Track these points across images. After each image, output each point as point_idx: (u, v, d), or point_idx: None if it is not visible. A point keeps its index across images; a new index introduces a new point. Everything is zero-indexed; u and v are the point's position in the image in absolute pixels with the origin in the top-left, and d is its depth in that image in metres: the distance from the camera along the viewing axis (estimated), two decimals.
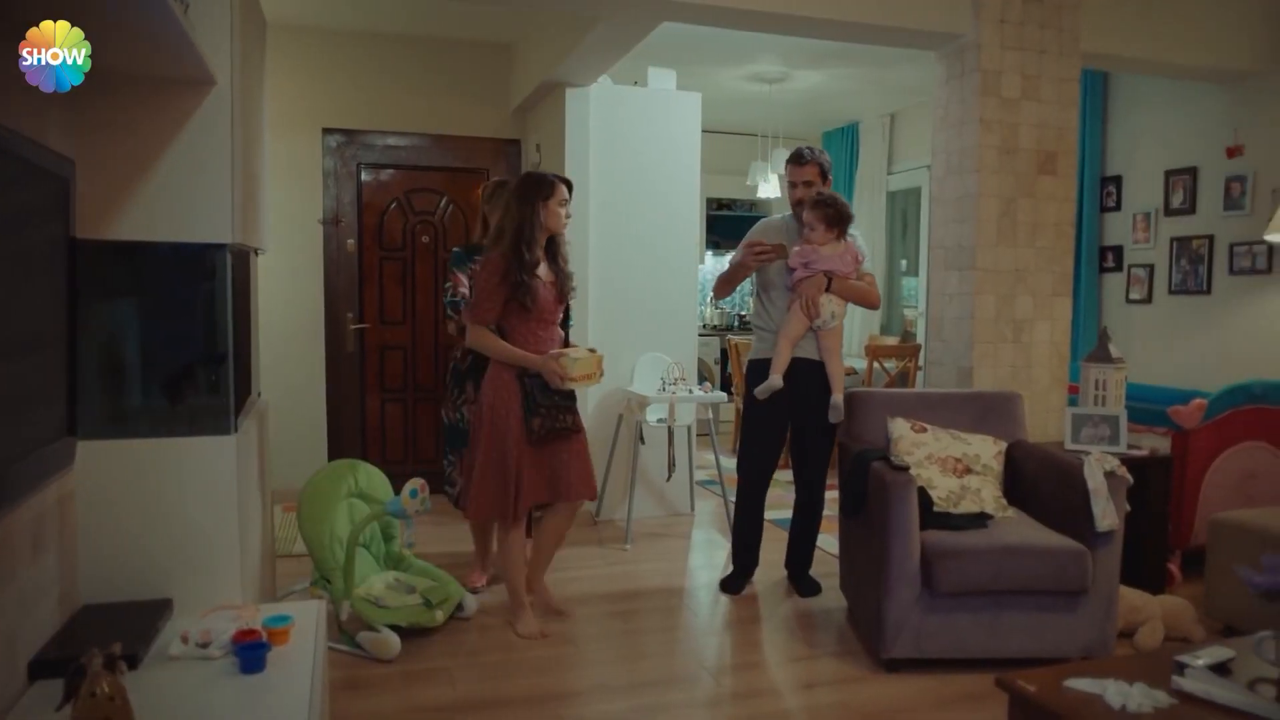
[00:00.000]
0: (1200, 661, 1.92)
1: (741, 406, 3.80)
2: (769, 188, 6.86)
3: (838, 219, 3.56)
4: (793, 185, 3.67)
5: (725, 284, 3.80)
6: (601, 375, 3.29)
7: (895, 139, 7.30)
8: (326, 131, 5.24)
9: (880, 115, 7.29)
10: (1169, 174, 4.99)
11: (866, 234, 7.42)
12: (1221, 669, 1.92)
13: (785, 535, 3.93)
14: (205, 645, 1.88)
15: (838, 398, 3.54)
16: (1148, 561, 3.62)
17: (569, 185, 3.30)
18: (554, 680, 2.94)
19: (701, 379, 6.41)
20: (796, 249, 3.56)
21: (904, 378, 6.06)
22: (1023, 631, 2.96)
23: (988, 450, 3.34)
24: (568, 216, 3.28)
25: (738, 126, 7.56)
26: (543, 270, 3.21)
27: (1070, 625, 2.96)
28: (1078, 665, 1.98)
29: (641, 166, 4.92)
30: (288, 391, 5.09)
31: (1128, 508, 3.04)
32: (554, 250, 3.28)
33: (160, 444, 2.24)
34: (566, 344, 3.42)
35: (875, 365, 6.07)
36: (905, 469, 3.01)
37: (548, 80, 4.67)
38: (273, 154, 4.54)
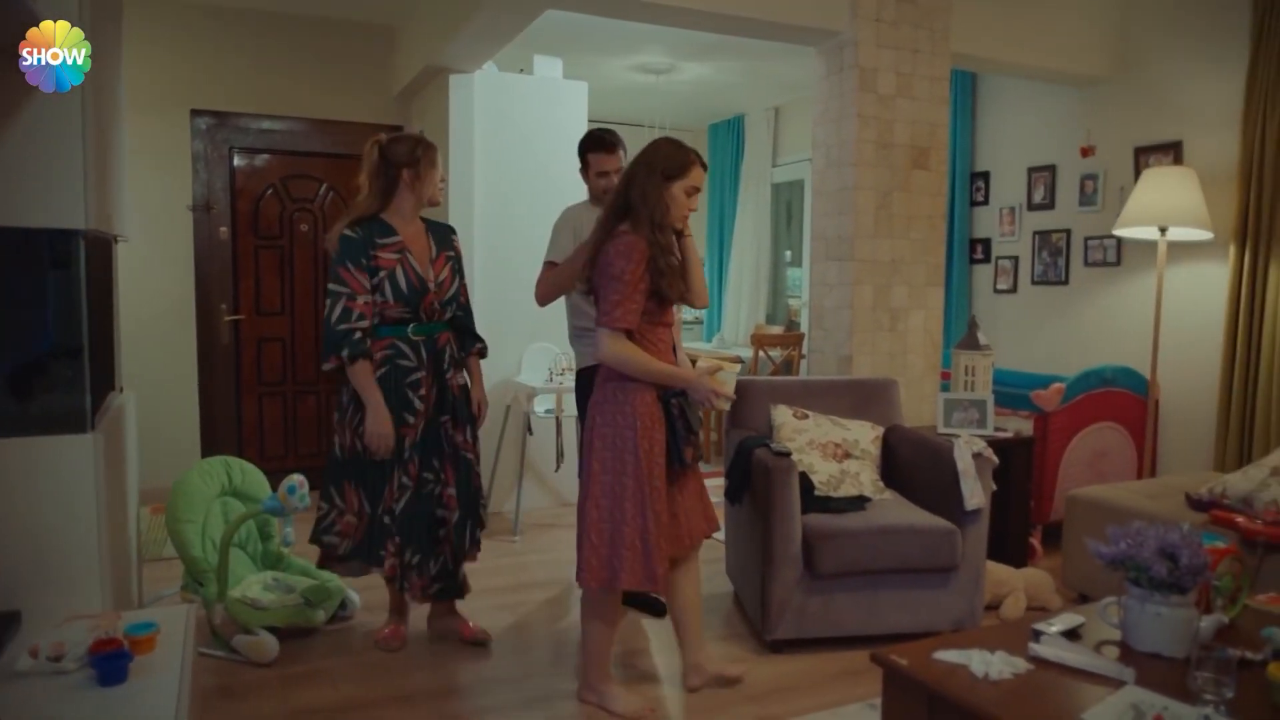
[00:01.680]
0: (1054, 628, 2.05)
1: (581, 420, 3.18)
2: None
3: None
4: (601, 174, 3.24)
5: (559, 285, 3.17)
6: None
7: (780, 132, 7.46)
8: (195, 113, 4.98)
9: (765, 109, 7.43)
10: (1031, 171, 5.28)
11: (753, 226, 7.60)
12: (1072, 634, 2.06)
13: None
14: (58, 659, 1.76)
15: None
16: (1012, 537, 3.83)
17: (706, 168, 2.63)
18: (441, 676, 2.90)
19: None
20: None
21: (789, 366, 6.22)
22: (898, 608, 3.09)
23: (866, 435, 3.46)
24: (690, 210, 2.59)
25: (625, 117, 7.57)
26: None
27: (941, 600, 3.11)
28: (946, 638, 2.08)
29: (528, 155, 4.87)
30: (156, 386, 4.84)
31: (993, 486, 3.21)
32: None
33: (8, 444, 2.08)
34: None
35: (760, 354, 6.20)
36: (787, 455, 3.09)
37: (431, 65, 4.57)
38: (135, 136, 4.30)
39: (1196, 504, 3.32)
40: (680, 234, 2.57)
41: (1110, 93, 4.81)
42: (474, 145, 4.70)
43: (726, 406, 2.53)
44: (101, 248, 2.58)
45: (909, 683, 1.90)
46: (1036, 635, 2.02)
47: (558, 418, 4.64)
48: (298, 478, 3.02)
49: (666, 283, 2.46)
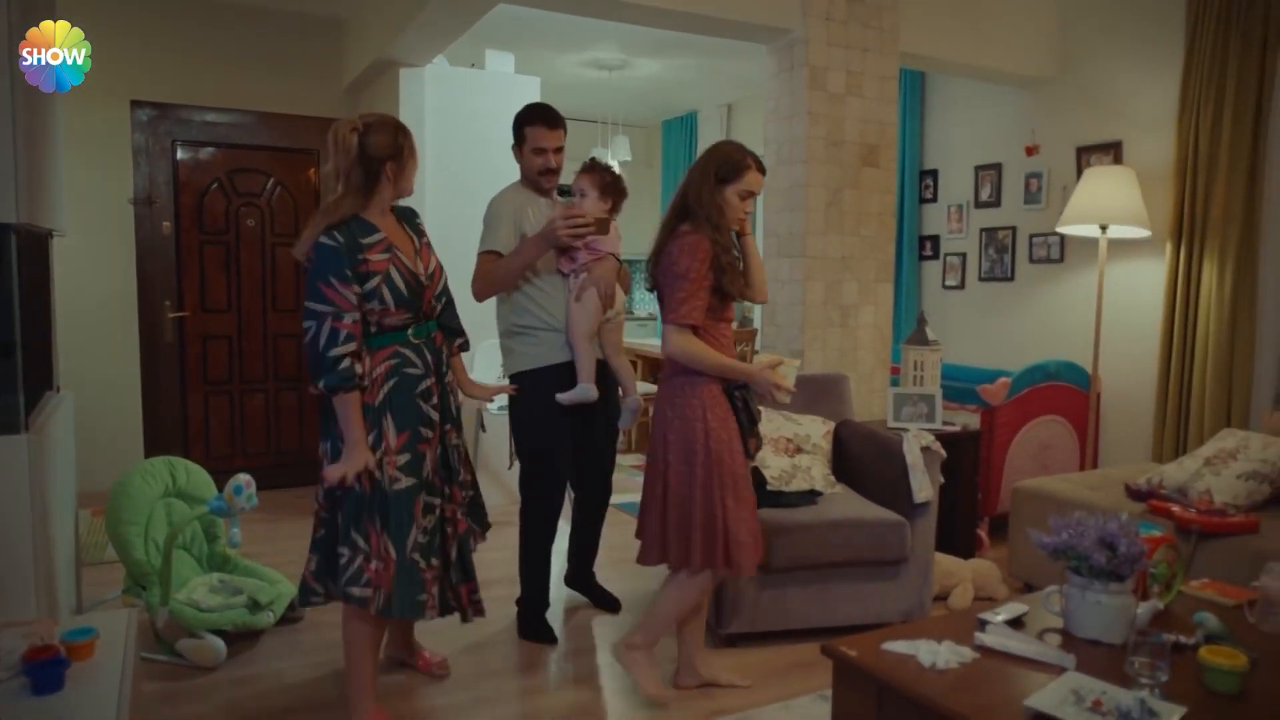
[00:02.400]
0: (999, 618, 2.09)
1: (516, 430, 3.21)
2: None
3: (615, 189, 3.03)
4: (539, 151, 3.01)
5: (506, 279, 3.01)
6: None
7: (733, 129, 7.49)
8: (136, 104, 4.85)
9: (718, 106, 7.46)
10: (978, 169, 5.38)
11: None
12: (1016, 623, 2.11)
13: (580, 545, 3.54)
14: None
15: (637, 398, 3.20)
16: (960, 529, 3.91)
17: (765, 173, 2.67)
18: (391, 677, 2.86)
19: None
20: None
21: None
22: (849, 600, 3.13)
23: (817, 430, 3.50)
24: (745, 214, 2.64)
25: (578, 113, 7.55)
26: None
27: (891, 592, 3.16)
28: (895, 629, 2.11)
29: (479, 151, 4.83)
30: (97, 386, 4.72)
31: (941, 480, 3.27)
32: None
33: None
34: None
35: None
36: None
37: (380, 59, 4.51)
38: (71, 127, 4.18)
39: (1135, 494, 3.42)
40: (740, 234, 2.66)
41: (1053, 93, 4.91)
42: (424, 140, 4.64)
43: (787, 400, 2.58)
44: (35, 242, 2.51)
45: (859, 674, 1.92)
46: (982, 625, 2.06)
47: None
48: (244, 477, 2.96)
49: (728, 279, 2.54)
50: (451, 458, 2.54)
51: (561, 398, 3.02)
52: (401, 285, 2.39)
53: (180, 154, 4.99)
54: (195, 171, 5.04)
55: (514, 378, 3.08)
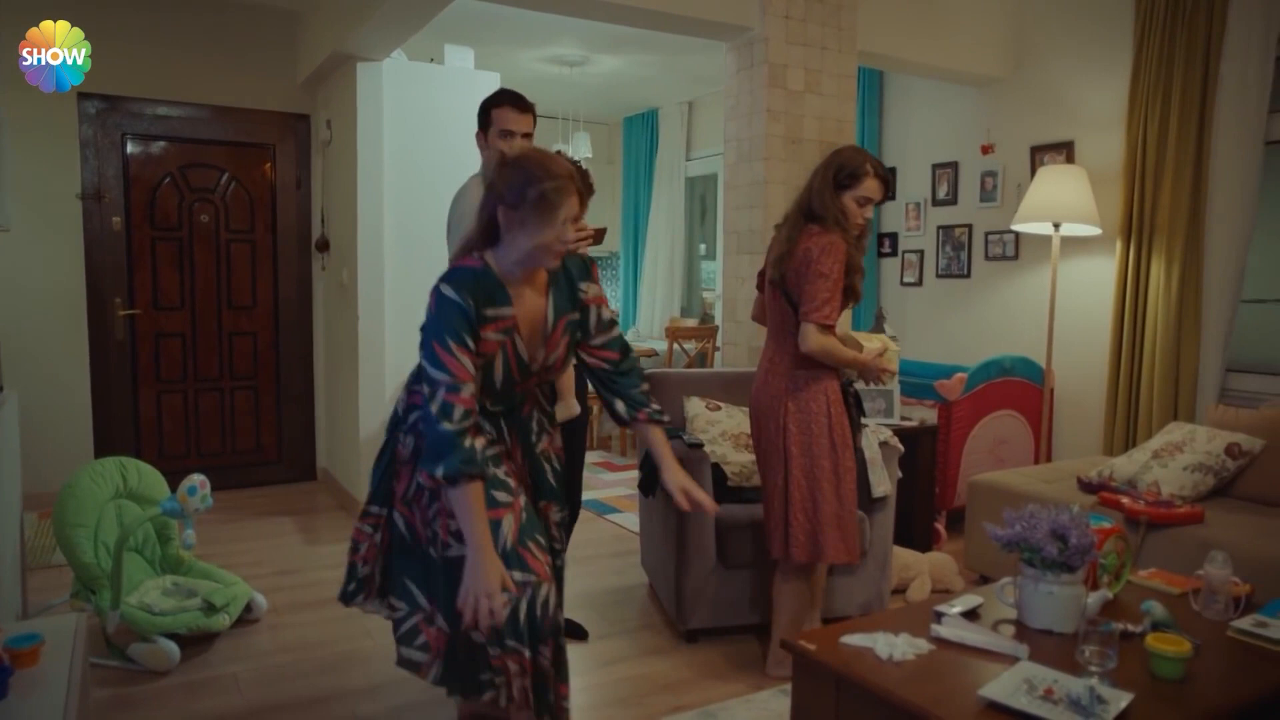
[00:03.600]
0: (954, 610, 2.12)
1: None
2: None
3: (588, 190, 2.93)
4: (506, 135, 2.74)
5: None
6: None
7: (693, 126, 7.51)
8: (84, 96, 4.74)
9: (679, 103, 7.48)
10: (935, 167, 5.45)
11: (667, 219, 7.64)
12: (972, 614, 2.14)
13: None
14: None
15: (571, 401, 2.92)
16: (918, 522, 3.96)
17: (886, 182, 2.69)
18: (350, 677, 2.84)
19: None
20: None
21: (703, 358, 6.28)
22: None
23: None
24: (864, 220, 2.71)
25: (539, 109, 7.50)
26: None
27: (850, 586, 3.19)
28: (854, 622, 2.14)
29: (439, 146, 4.79)
30: (45, 385, 4.61)
31: (899, 474, 3.31)
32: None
33: None
34: None
35: (675, 347, 6.25)
36: (699, 446, 3.12)
37: (338, 53, 4.45)
38: (14, 118, 4.08)
39: (1086, 487, 3.49)
40: (859, 239, 2.72)
41: (1008, 93, 4.99)
42: (383, 136, 4.59)
43: (892, 383, 2.71)
44: None
45: (818, 667, 1.94)
46: (938, 617, 2.09)
47: None
48: (198, 478, 2.91)
49: (856, 279, 2.65)
50: (547, 534, 2.14)
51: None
52: (499, 377, 2.02)
53: (130, 148, 4.89)
54: (146, 166, 4.93)
55: None
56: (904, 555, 3.60)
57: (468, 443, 1.87)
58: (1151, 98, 4.13)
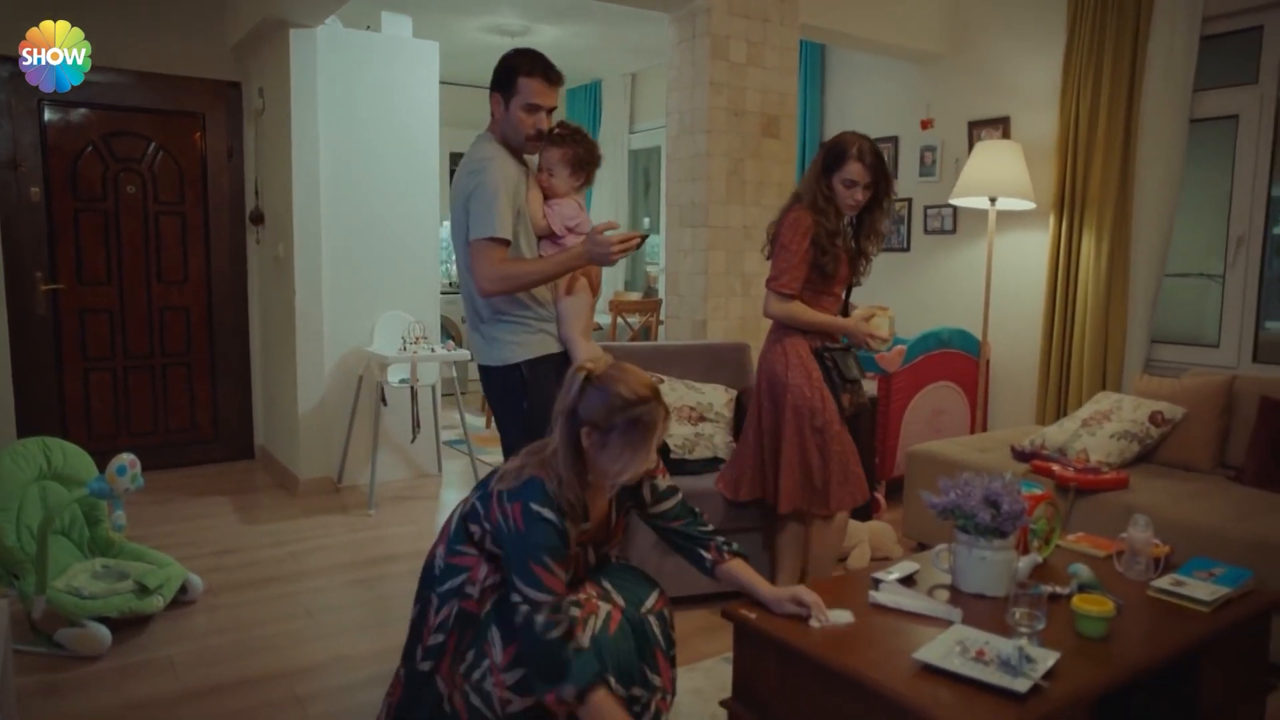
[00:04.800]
0: (892, 576, 2.17)
1: (531, 424, 2.41)
2: None
3: (590, 162, 2.65)
4: (532, 109, 2.48)
5: (530, 285, 2.50)
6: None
7: (636, 98, 7.46)
8: None
9: (622, 75, 7.41)
10: (876, 142, 5.48)
11: (610, 192, 7.60)
12: (909, 580, 2.19)
13: None
14: None
15: None
16: None
17: (875, 156, 2.79)
18: (290, 657, 2.80)
19: (447, 337, 6.30)
20: (550, 205, 2.62)
21: (646, 332, 6.28)
22: (752, 564, 3.19)
23: (719, 399, 3.54)
24: (854, 202, 2.80)
25: (479, 80, 7.37)
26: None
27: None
28: None
29: (376, 117, 4.68)
30: None
31: None
32: (858, 228, 2.93)
33: None
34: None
35: (619, 320, 6.24)
36: None
37: (269, 18, 4.30)
38: None
39: (1020, 455, 3.59)
40: (872, 222, 2.90)
41: (946, 69, 5.05)
42: (318, 105, 4.47)
43: (882, 348, 2.92)
44: None
45: (758, 636, 1.97)
46: (876, 583, 2.14)
47: (413, 387, 4.53)
48: (128, 457, 2.83)
49: (826, 259, 2.79)
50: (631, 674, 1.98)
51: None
52: (568, 578, 1.96)
53: (48, 114, 4.67)
54: (66, 134, 4.73)
55: (508, 369, 2.55)
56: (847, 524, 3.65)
57: (572, 645, 1.82)
58: (1083, 76, 4.21)
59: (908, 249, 5.34)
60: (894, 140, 5.37)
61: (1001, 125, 4.73)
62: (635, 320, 6.33)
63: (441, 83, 4.98)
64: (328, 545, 3.84)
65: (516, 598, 1.83)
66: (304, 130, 4.44)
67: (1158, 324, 4.15)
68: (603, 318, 6.41)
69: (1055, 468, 3.32)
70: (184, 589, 3.15)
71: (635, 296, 7.29)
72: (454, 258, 2.71)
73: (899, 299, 5.38)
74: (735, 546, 2.17)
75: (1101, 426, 3.49)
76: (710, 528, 2.17)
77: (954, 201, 4.53)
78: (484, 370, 2.62)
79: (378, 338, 4.68)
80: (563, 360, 2.56)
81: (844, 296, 3.00)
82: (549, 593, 1.82)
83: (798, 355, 2.84)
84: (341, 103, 4.57)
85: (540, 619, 1.80)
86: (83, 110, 4.76)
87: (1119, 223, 4.11)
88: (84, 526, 3.14)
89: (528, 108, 2.47)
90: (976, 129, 4.84)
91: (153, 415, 5.08)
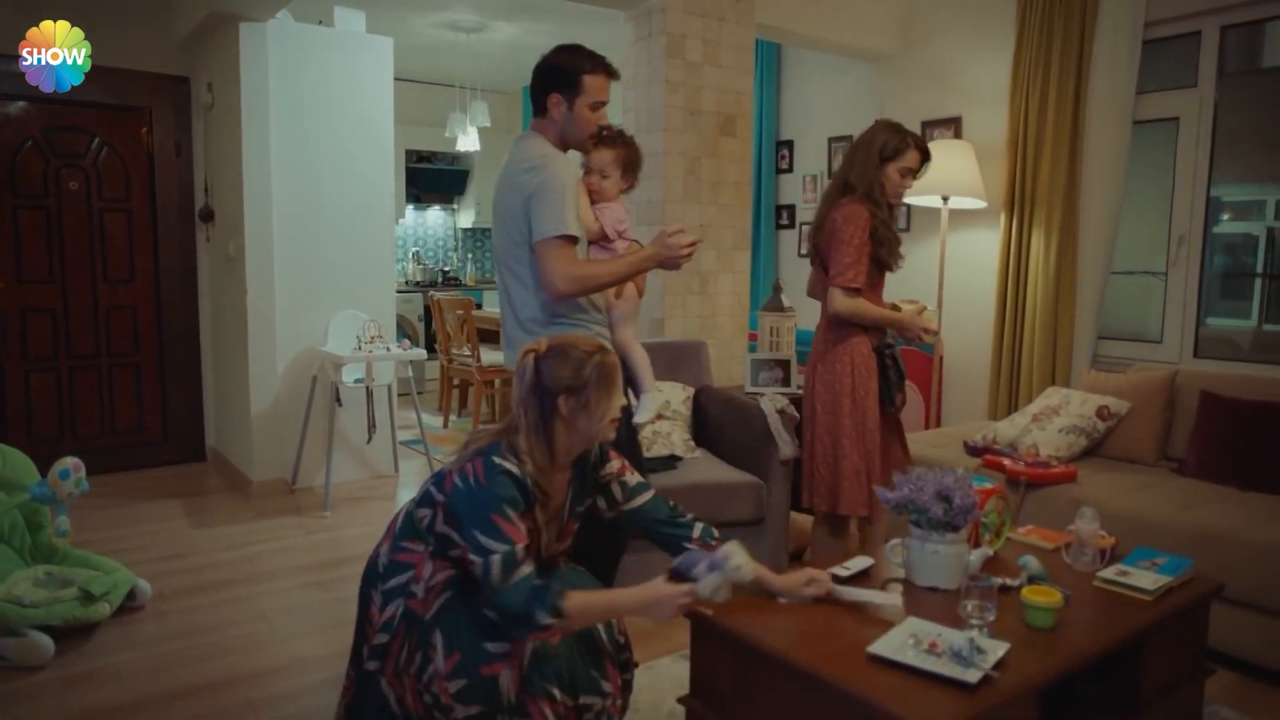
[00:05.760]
0: (848, 571, 2.19)
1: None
2: (469, 140, 6.73)
3: (638, 165, 2.67)
4: (598, 106, 2.45)
5: (602, 287, 2.50)
6: None
7: None
8: None
9: None
10: (831, 140, 5.55)
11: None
12: (864, 574, 2.22)
13: None
14: None
15: (653, 392, 2.69)
16: None
17: (925, 151, 2.86)
18: (243, 661, 2.75)
19: (403, 336, 6.23)
20: (599, 209, 2.60)
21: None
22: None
23: (677, 396, 3.56)
24: (904, 190, 2.89)
25: (435, 76, 7.33)
26: None
27: (750, 551, 3.24)
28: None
29: (329, 113, 4.62)
30: None
31: (796, 441, 3.38)
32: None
33: None
34: None
35: None
36: None
37: (217, 11, 4.22)
38: None
39: (972, 450, 3.65)
40: (893, 209, 2.88)
41: (900, 69, 5.12)
42: (270, 101, 4.39)
43: (932, 340, 2.99)
44: None
45: (715, 632, 1.98)
46: (832, 578, 2.16)
47: (368, 387, 4.48)
48: (71, 461, 2.77)
49: (885, 250, 2.81)
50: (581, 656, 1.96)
51: (640, 418, 2.60)
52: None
53: None
54: (4, 128, 4.59)
55: None
56: (801, 521, 3.69)
57: (538, 582, 1.79)
58: (1032, 77, 4.30)
59: None
60: (849, 139, 5.42)
61: (954, 125, 4.80)
62: None
63: (396, 79, 4.93)
64: (282, 548, 3.78)
65: (477, 557, 1.80)
66: (255, 126, 4.36)
67: (1104, 320, 4.25)
68: None
69: (1006, 462, 3.38)
70: (132, 595, 3.08)
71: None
72: (495, 262, 2.61)
73: None
74: (718, 533, 2.14)
75: (1051, 421, 3.57)
76: (690, 517, 2.16)
77: (907, 200, 4.58)
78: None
79: (332, 337, 4.62)
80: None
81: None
82: (509, 542, 1.80)
83: (863, 357, 2.86)
84: (294, 98, 4.50)
85: (498, 562, 1.78)
86: (21, 103, 4.63)
87: (1067, 222, 4.20)
88: (25, 533, 3.05)
89: (594, 105, 2.44)
90: (929, 128, 4.91)
91: (99, 417, 4.96)
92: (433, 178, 7.94)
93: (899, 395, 2.91)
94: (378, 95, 4.80)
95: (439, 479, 1.96)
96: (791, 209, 5.84)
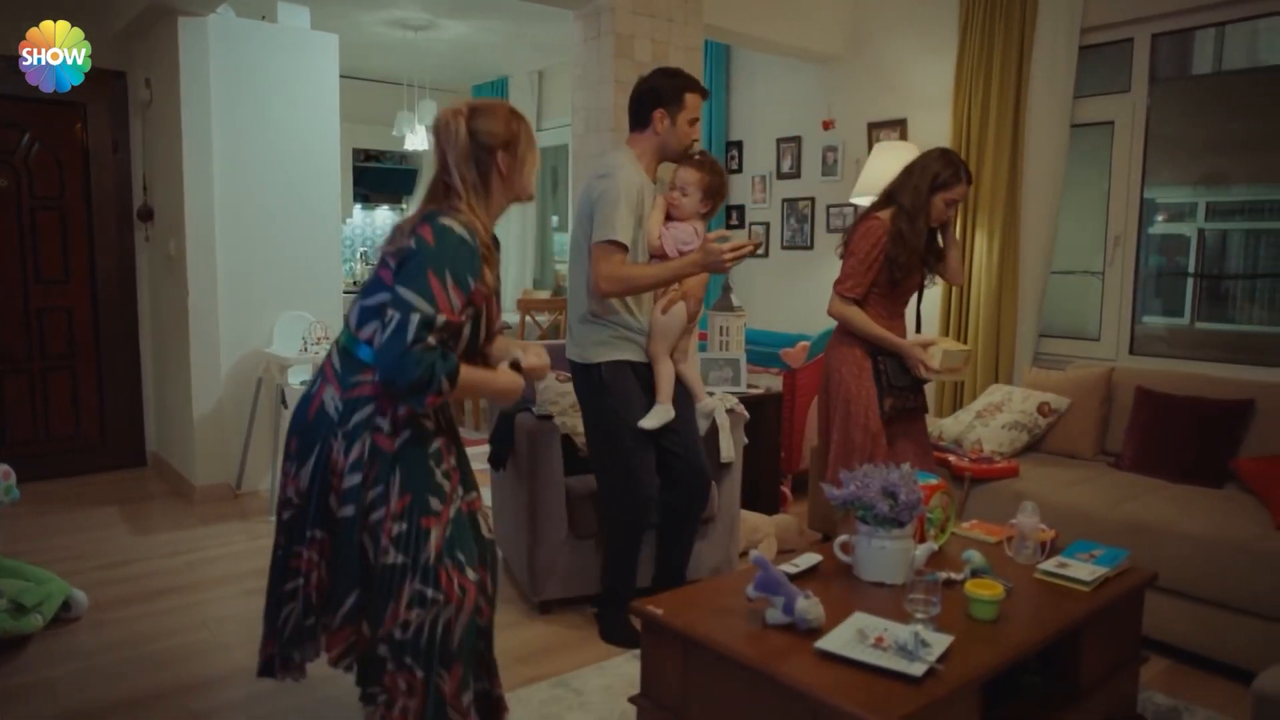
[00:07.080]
0: (796, 568, 2.21)
1: (608, 424, 2.81)
2: (416, 139, 6.66)
3: (720, 193, 2.84)
4: (695, 121, 2.75)
5: (644, 288, 2.75)
6: (966, 371, 3.14)
7: (544, 96, 7.42)
8: None
9: (529, 71, 7.36)
10: (780, 141, 5.60)
11: None
12: (813, 571, 2.24)
13: None
14: None
15: (709, 403, 3.08)
16: (764, 486, 4.11)
17: (970, 182, 2.97)
18: (184, 672, 2.69)
19: None
20: (669, 226, 2.78)
21: (555, 330, 6.26)
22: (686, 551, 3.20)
23: None
24: (947, 218, 3.00)
25: (382, 74, 7.24)
26: None
27: (700, 549, 3.27)
28: (703, 584, 2.20)
29: (273, 111, 4.53)
30: None
31: (745, 440, 3.41)
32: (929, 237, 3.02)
33: None
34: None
35: (528, 319, 6.20)
36: (549, 418, 3.11)
37: (155, 4, 4.10)
38: None
39: None
40: (944, 225, 3.01)
41: (846, 71, 5.18)
42: (210, 97, 4.29)
43: (931, 379, 2.98)
44: None
45: (665, 631, 1.98)
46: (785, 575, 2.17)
47: None
48: (2, 468, 2.67)
49: (896, 269, 2.90)
50: (476, 532, 2.02)
51: (644, 423, 2.76)
52: (467, 339, 1.90)
53: None
54: None
55: (588, 366, 2.78)
56: (751, 518, 3.72)
57: (435, 353, 1.76)
58: (974, 81, 4.38)
59: (811, 247, 5.46)
60: (797, 140, 5.48)
61: (899, 127, 4.88)
62: (544, 319, 6.30)
63: (343, 77, 4.85)
64: (227, 554, 3.70)
65: (395, 311, 1.75)
66: (195, 123, 4.26)
67: (1045, 319, 4.34)
68: (511, 316, 6.36)
69: (951, 458, 3.44)
70: (67, 606, 2.98)
71: (544, 295, 7.25)
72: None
73: (802, 296, 5.50)
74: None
75: (994, 418, 3.64)
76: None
77: (855, 200, 4.65)
78: (570, 366, 2.88)
79: (277, 338, 4.53)
80: (645, 370, 2.82)
81: (915, 301, 3.23)
82: (435, 307, 1.76)
83: (855, 359, 3.00)
84: (235, 95, 4.40)
85: (417, 321, 1.74)
86: None
87: (1009, 222, 4.28)
88: None
89: (692, 120, 2.73)
90: (876, 130, 4.99)
91: (32, 422, 4.80)
92: (380, 177, 7.84)
93: (886, 400, 2.98)
94: (323, 93, 4.71)
95: (373, 281, 1.89)
96: (741, 209, 5.88)
